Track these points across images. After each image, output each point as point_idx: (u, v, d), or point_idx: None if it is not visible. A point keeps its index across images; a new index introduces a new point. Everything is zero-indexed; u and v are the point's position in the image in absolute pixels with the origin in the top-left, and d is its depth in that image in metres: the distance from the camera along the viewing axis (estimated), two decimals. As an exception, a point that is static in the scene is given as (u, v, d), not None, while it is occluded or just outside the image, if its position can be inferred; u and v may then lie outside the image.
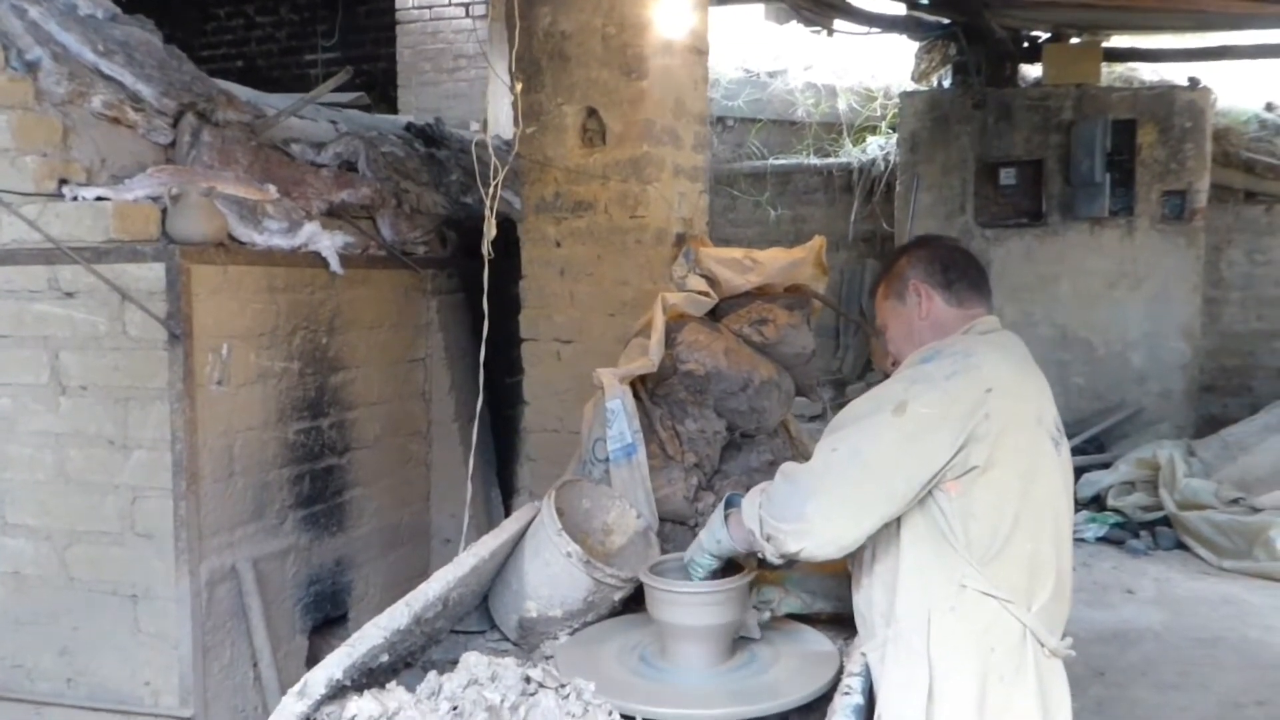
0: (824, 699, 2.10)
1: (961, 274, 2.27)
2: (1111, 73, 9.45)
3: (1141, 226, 8.57)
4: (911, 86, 9.72)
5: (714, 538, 2.23)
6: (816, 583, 2.52)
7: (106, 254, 3.52)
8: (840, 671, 2.20)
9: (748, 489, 2.23)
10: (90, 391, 3.60)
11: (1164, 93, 8.61)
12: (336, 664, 1.80)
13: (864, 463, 1.99)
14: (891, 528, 2.07)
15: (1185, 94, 8.51)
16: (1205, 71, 8.81)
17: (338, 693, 1.78)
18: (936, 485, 2.01)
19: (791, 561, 2.12)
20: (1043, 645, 2.06)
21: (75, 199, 3.54)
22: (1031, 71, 9.21)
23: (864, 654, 2.17)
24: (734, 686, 2.16)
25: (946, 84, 9.35)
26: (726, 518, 2.22)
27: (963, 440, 1.98)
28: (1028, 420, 2.08)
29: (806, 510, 2.00)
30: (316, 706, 1.74)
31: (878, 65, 10.72)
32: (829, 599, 2.51)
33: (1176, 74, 9.16)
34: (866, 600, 2.18)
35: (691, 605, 2.20)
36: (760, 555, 2.14)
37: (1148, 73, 9.62)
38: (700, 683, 2.18)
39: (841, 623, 2.48)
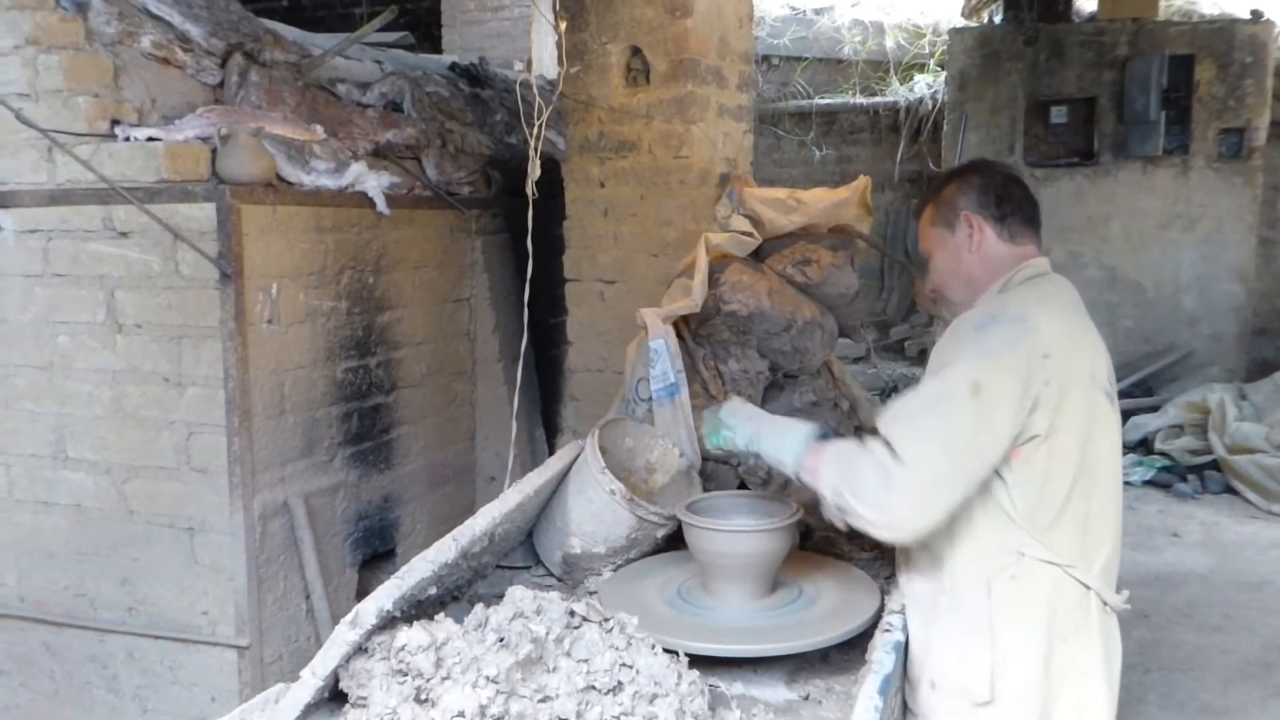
0: (864, 635, 2.12)
1: (1016, 207, 2.19)
2: (1170, 6, 9.20)
3: (1196, 166, 8.38)
4: (961, 23, 9.53)
5: (779, 453, 2.15)
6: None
7: (158, 194, 3.56)
8: (881, 609, 2.21)
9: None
10: (145, 329, 3.67)
11: (1224, 26, 8.36)
12: (387, 595, 1.82)
13: (948, 454, 1.93)
14: None
15: (1247, 28, 8.26)
16: (1269, 3, 8.54)
17: (388, 623, 1.81)
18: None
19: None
20: (1105, 604, 2.05)
21: (127, 139, 3.57)
22: (1086, 6, 8.99)
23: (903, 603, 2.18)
24: (774, 622, 2.18)
25: (998, 20, 9.14)
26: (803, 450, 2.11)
27: (1028, 409, 1.94)
28: (1083, 379, 2.03)
29: (891, 502, 1.93)
30: (368, 636, 1.77)
31: (926, 1, 10.51)
32: None
33: (1238, 6, 8.89)
34: (905, 557, 2.18)
35: (729, 542, 2.21)
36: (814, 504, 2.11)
37: (1208, 5, 9.36)
38: (741, 619, 2.20)
39: (884, 560, 2.49)
